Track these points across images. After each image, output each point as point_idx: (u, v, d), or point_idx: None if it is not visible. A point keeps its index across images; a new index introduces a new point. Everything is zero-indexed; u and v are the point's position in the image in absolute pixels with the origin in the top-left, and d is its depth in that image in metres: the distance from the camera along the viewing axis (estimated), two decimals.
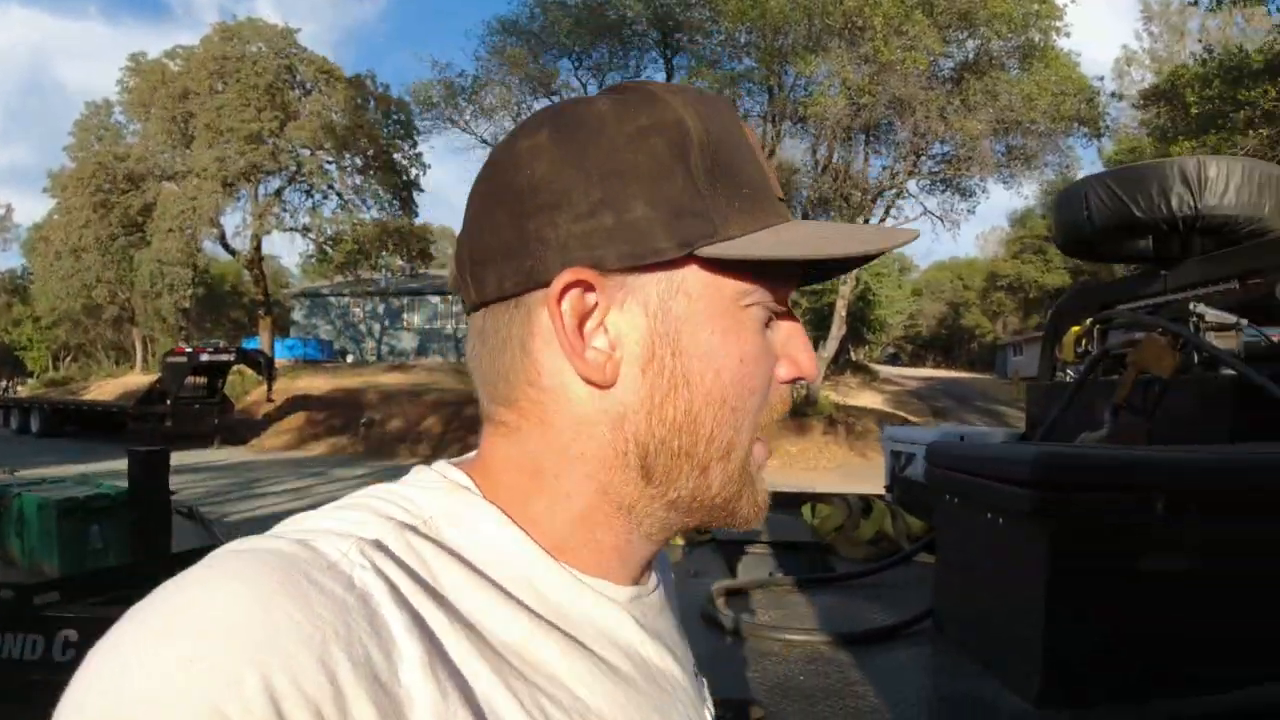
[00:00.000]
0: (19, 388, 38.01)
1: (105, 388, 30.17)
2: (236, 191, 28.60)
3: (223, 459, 18.28)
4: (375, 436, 21.34)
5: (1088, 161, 21.64)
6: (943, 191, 22.34)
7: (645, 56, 22.70)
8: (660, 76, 23.62)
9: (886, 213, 22.36)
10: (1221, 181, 3.19)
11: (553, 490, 0.53)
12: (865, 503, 3.67)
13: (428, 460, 0.59)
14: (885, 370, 40.44)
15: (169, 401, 20.15)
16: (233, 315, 53.23)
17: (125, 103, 29.67)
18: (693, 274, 0.51)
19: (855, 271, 22.13)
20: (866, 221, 22.31)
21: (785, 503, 4.40)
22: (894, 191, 21.57)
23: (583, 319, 0.50)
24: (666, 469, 0.52)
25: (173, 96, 27.69)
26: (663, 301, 0.50)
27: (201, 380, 21.18)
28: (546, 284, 0.49)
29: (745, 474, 0.54)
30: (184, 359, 20.42)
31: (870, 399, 27.38)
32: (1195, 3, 18.81)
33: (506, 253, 0.51)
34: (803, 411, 21.09)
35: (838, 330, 21.74)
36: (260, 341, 29.30)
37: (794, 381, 0.57)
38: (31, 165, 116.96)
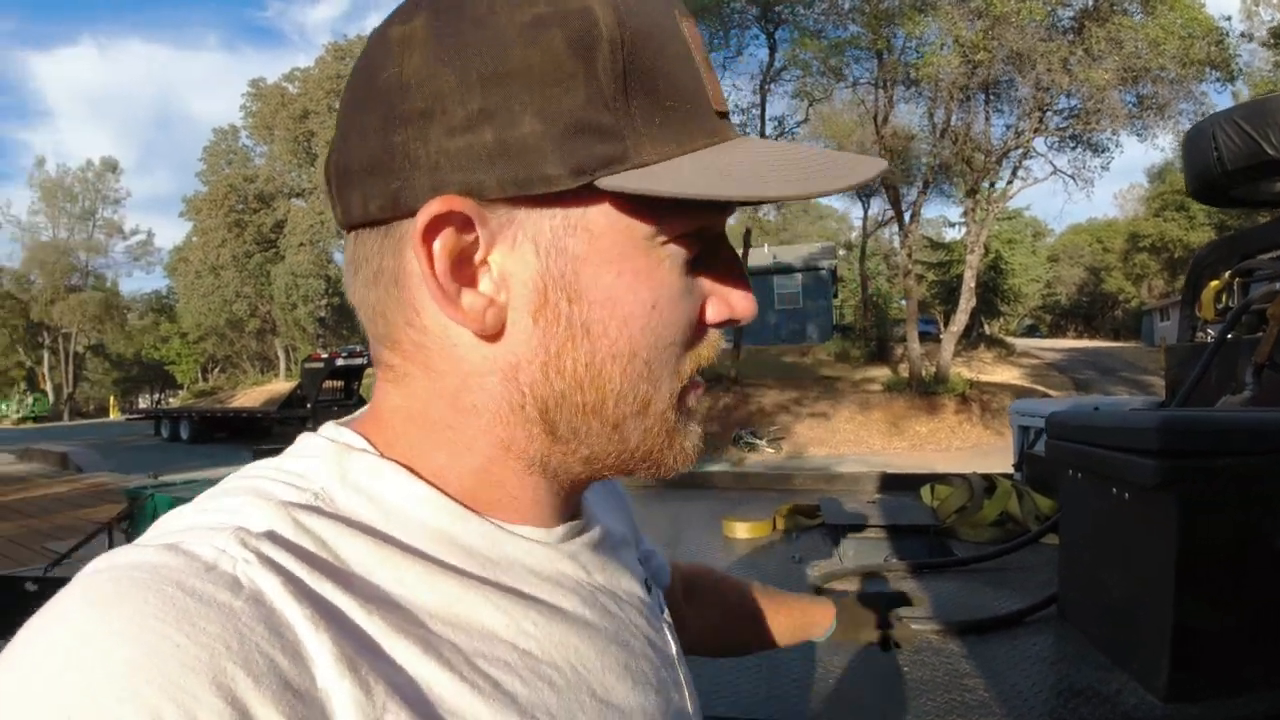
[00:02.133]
0: (170, 399, 40.79)
1: (251, 395, 31.98)
2: None
3: None
4: None
5: (1223, 107, 20.05)
6: (1072, 148, 21.07)
7: (746, 34, 22.27)
8: (763, 53, 23.19)
9: (1014, 173, 21.27)
10: None
11: (450, 442, 0.47)
12: (989, 482, 3.47)
13: None
14: (1022, 343, 38.65)
15: (309, 405, 21.16)
16: None
17: (249, 126, 31.50)
18: (595, 207, 0.43)
19: (984, 239, 21.37)
20: (992, 185, 21.31)
21: (904, 484, 4.22)
22: (1020, 151, 20.48)
23: (459, 257, 0.43)
24: (572, 426, 0.46)
25: (293, 117, 29.13)
26: (556, 239, 0.43)
27: (339, 384, 22.18)
28: (414, 213, 0.42)
29: (668, 425, 0.48)
30: (321, 364, 21.43)
31: (1007, 374, 26.21)
32: None
33: (372, 168, 0.43)
34: (933, 390, 20.37)
35: (966, 303, 20.79)
36: None
37: (724, 324, 0.49)
38: (167, 193, 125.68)
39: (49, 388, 49.56)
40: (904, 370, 22.11)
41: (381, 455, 0.46)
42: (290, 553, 0.38)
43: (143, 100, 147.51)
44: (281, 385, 31.55)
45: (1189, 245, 40.53)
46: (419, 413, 0.47)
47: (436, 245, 0.42)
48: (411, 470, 0.46)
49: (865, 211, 30.08)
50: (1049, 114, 19.83)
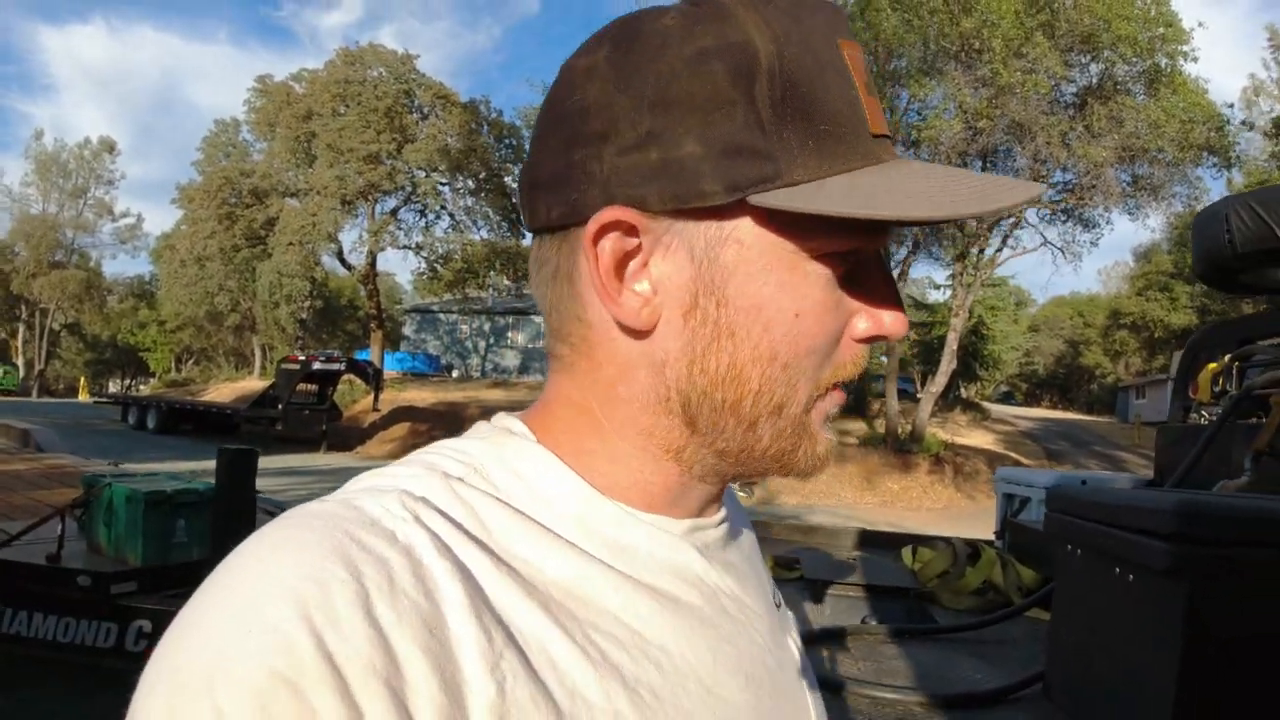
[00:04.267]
0: (141, 386, 40.19)
1: (223, 390, 31.59)
2: (354, 209, 29.76)
3: (328, 463, 18.84)
4: None
5: (1216, 193, 20.36)
6: (1064, 222, 21.39)
7: None
8: None
9: (1004, 242, 21.55)
10: None
11: (601, 429, 0.52)
12: (972, 548, 3.41)
13: None
14: (998, 409, 38.93)
15: (281, 406, 20.94)
16: (347, 327, 55.46)
17: (251, 122, 31.43)
18: (746, 221, 0.46)
19: (969, 304, 21.61)
20: (981, 252, 21.52)
21: (884, 543, 4.16)
22: (1011, 220, 20.74)
23: (623, 260, 0.48)
24: (711, 420, 0.50)
25: (297, 117, 29.06)
26: (710, 249, 0.47)
27: (313, 388, 21.99)
28: (587, 220, 0.48)
29: (801, 428, 0.51)
30: (297, 366, 21.24)
31: (981, 439, 26.31)
32: None
33: (555, 181, 0.49)
34: (908, 448, 20.40)
35: (948, 365, 20.93)
36: (371, 353, 30.30)
37: (874, 340, 0.52)
38: (161, 178, 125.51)
39: (20, 362, 48.80)
40: (880, 426, 22.14)
41: (537, 441, 0.52)
42: (441, 516, 0.45)
43: (146, 85, 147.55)
44: (254, 383, 31.19)
45: (1170, 326, 41.10)
46: (579, 400, 0.52)
47: (603, 247, 0.47)
48: (560, 456, 0.51)
49: None
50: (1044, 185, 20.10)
